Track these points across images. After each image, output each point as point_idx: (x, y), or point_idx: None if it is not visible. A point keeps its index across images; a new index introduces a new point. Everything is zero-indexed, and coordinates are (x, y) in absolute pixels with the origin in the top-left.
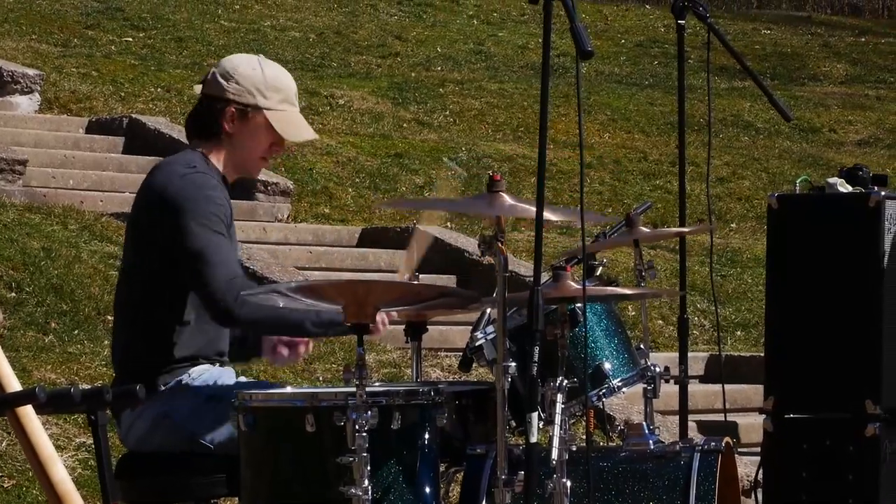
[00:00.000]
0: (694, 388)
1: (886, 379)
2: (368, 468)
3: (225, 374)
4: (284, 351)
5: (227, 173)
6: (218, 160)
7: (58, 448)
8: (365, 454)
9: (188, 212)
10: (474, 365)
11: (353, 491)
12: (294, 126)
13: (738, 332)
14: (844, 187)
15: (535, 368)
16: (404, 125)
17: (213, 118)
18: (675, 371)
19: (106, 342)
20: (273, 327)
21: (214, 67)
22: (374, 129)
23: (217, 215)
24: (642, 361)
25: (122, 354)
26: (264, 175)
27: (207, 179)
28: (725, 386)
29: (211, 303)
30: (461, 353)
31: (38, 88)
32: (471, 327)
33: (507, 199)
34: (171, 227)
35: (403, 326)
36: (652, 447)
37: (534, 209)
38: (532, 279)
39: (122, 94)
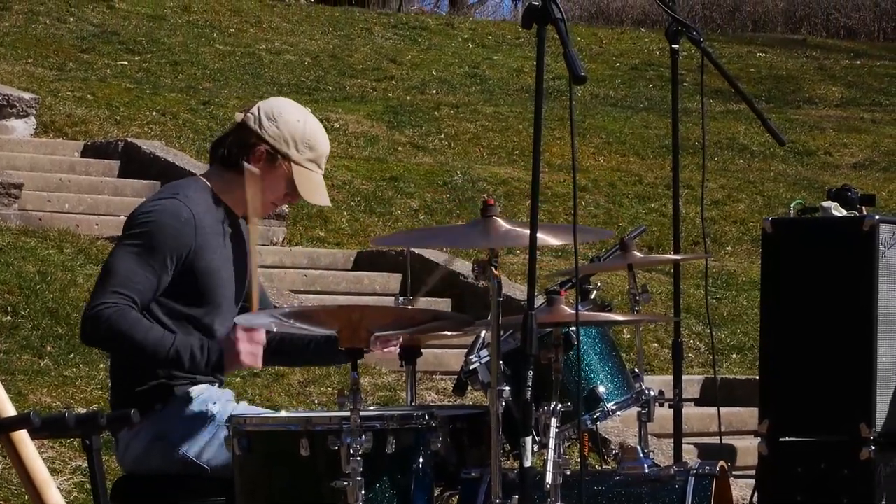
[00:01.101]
0: (689, 410)
1: (881, 402)
2: (363, 492)
3: (223, 396)
4: (389, 348)
5: (235, 207)
6: (226, 191)
7: (53, 471)
8: (359, 478)
9: (127, 230)
10: (469, 388)
11: None
12: (313, 188)
13: (734, 355)
14: (839, 211)
15: (530, 392)
16: (399, 148)
17: (241, 151)
18: (669, 394)
19: (102, 365)
20: (121, 349)
21: (262, 103)
22: (370, 153)
23: (155, 244)
24: (637, 385)
25: (118, 373)
26: None
27: (177, 207)
28: (721, 409)
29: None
30: (456, 377)
31: (34, 112)
32: (465, 351)
33: (503, 224)
34: None
35: (398, 350)
36: (647, 471)
37: (528, 233)
38: (526, 303)
39: (118, 117)
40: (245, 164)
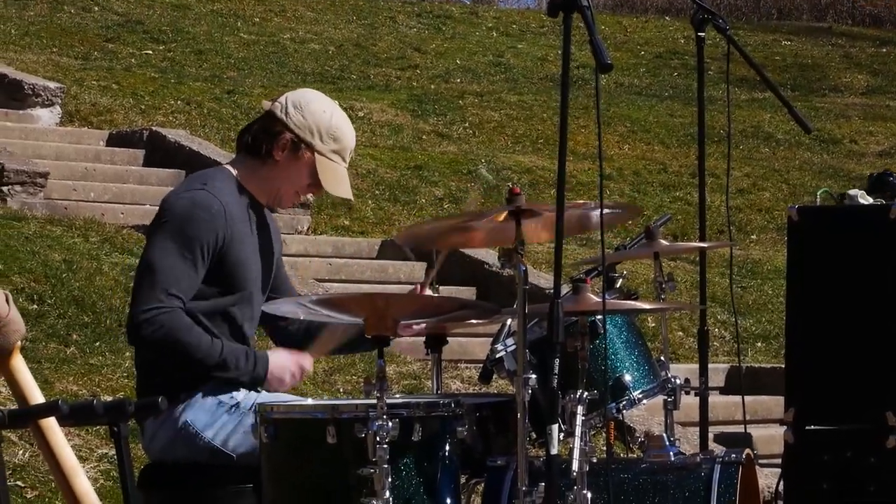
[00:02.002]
0: (714, 399)
1: None
2: (389, 480)
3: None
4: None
5: (259, 195)
6: (250, 179)
7: (80, 459)
8: (386, 466)
9: (162, 224)
10: (494, 377)
11: (374, 502)
12: (336, 179)
13: (759, 344)
14: (865, 199)
15: (556, 380)
16: (423, 137)
17: (267, 139)
18: (695, 383)
19: (127, 354)
20: (172, 354)
21: (290, 93)
22: (394, 142)
23: (190, 237)
24: (662, 373)
25: (145, 363)
26: None
27: (207, 199)
28: (746, 397)
29: (128, 316)
30: (481, 365)
31: (59, 101)
32: (491, 339)
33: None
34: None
35: (424, 338)
36: (672, 459)
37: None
38: (552, 291)
39: (143, 106)
40: (274, 151)
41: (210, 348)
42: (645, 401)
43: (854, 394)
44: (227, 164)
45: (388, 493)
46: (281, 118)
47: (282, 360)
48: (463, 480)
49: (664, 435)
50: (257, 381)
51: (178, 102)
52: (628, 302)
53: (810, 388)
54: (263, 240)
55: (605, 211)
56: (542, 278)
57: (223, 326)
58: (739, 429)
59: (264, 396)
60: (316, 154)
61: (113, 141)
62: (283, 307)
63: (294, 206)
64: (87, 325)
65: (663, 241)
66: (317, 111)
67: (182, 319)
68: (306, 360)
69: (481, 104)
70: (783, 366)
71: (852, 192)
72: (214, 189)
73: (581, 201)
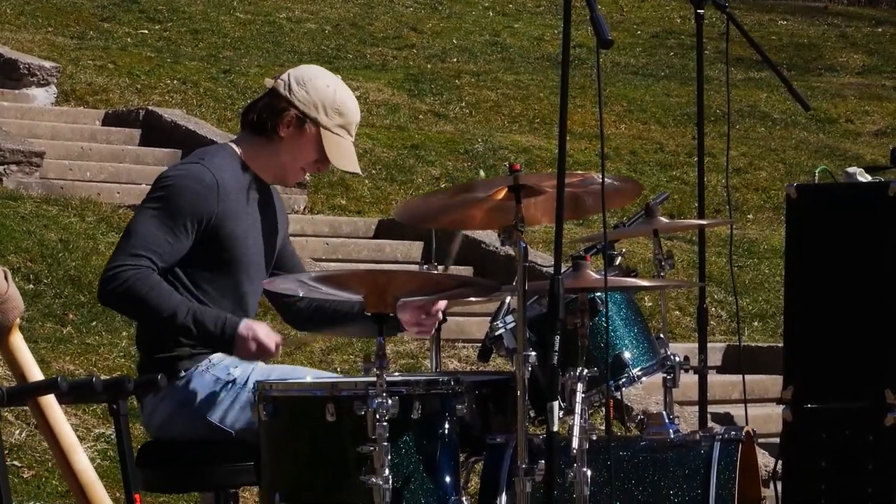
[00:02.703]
0: (712, 378)
1: None
2: (388, 457)
3: (246, 361)
4: (426, 322)
5: (263, 173)
6: (255, 157)
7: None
8: (385, 443)
9: (151, 193)
10: (493, 356)
11: (373, 480)
12: (343, 154)
13: (756, 323)
14: (864, 177)
15: (556, 357)
16: (420, 117)
17: (271, 116)
18: (693, 361)
19: (124, 333)
20: (135, 312)
21: (293, 70)
22: (391, 121)
23: (175, 206)
24: (662, 351)
25: (145, 339)
26: None
27: (200, 172)
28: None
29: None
30: (479, 344)
31: (55, 81)
32: (488, 319)
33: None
34: None
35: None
36: (672, 436)
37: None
38: (552, 268)
39: (139, 86)
40: (279, 127)
41: (175, 308)
42: (644, 378)
43: (852, 372)
44: (230, 142)
45: (387, 471)
46: (285, 95)
47: (251, 331)
48: (462, 458)
49: (663, 413)
50: (224, 349)
51: (175, 82)
52: (628, 279)
53: (808, 367)
54: (267, 218)
55: (607, 181)
56: (540, 257)
57: (221, 302)
58: (738, 408)
59: (261, 373)
60: (321, 129)
61: (109, 120)
62: (282, 284)
63: (301, 182)
64: (84, 305)
65: (662, 219)
66: (320, 86)
67: (147, 278)
68: (278, 344)
69: (478, 84)
70: (780, 345)
71: (850, 169)
72: (212, 164)
73: (581, 172)
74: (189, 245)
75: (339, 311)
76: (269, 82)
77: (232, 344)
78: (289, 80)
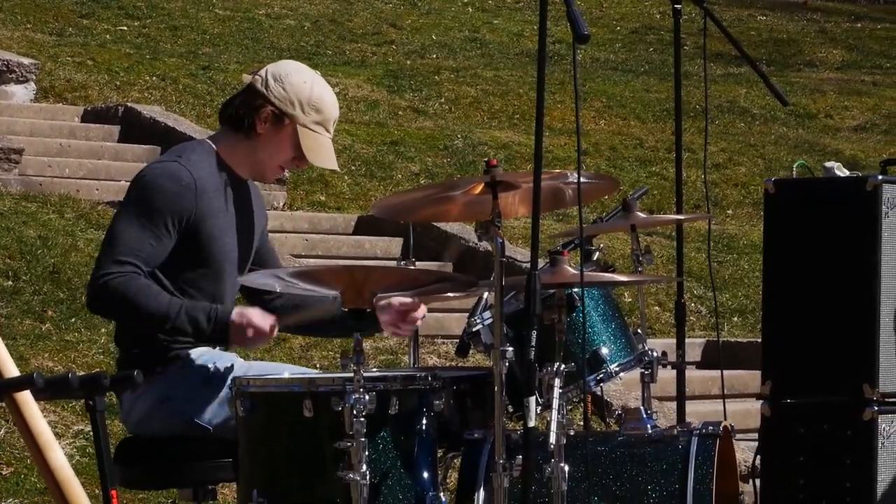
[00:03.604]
0: (691, 373)
1: (884, 363)
2: (366, 453)
3: (224, 357)
4: (403, 326)
5: (241, 170)
6: (232, 154)
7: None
8: (363, 439)
9: (130, 194)
10: (471, 351)
11: (350, 476)
12: (320, 151)
13: (735, 318)
14: (842, 171)
15: (533, 353)
16: (400, 113)
17: (248, 112)
18: (672, 357)
19: (103, 330)
20: (129, 317)
21: (270, 66)
22: (370, 117)
23: (154, 207)
24: (640, 346)
25: (123, 335)
26: None
27: (178, 171)
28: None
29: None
30: (457, 340)
31: (34, 77)
32: (466, 315)
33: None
34: None
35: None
36: (650, 431)
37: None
38: (529, 263)
39: (118, 82)
40: (256, 124)
41: (167, 309)
42: (622, 374)
43: (830, 366)
44: (207, 138)
45: (364, 467)
46: (262, 91)
47: (243, 318)
48: (440, 454)
49: (641, 408)
50: (220, 342)
51: (154, 79)
52: (606, 274)
53: (787, 362)
54: (243, 215)
55: (583, 180)
56: (518, 252)
57: (199, 300)
58: (717, 403)
59: (239, 369)
60: (298, 126)
61: (88, 117)
62: (259, 279)
63: (280, 179)
64: (63, 302)
65: (640, 214)
66: (297, 82)
67: (134, 282)
68: (271, 325)
69: (457, 80)
70: (759, 340)
71: (829, 164)
72: (189, 162)
73: (558, 171)
74: (172, 244)
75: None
76: (246, 78)
77: (226, 333)
78: (266, 76)
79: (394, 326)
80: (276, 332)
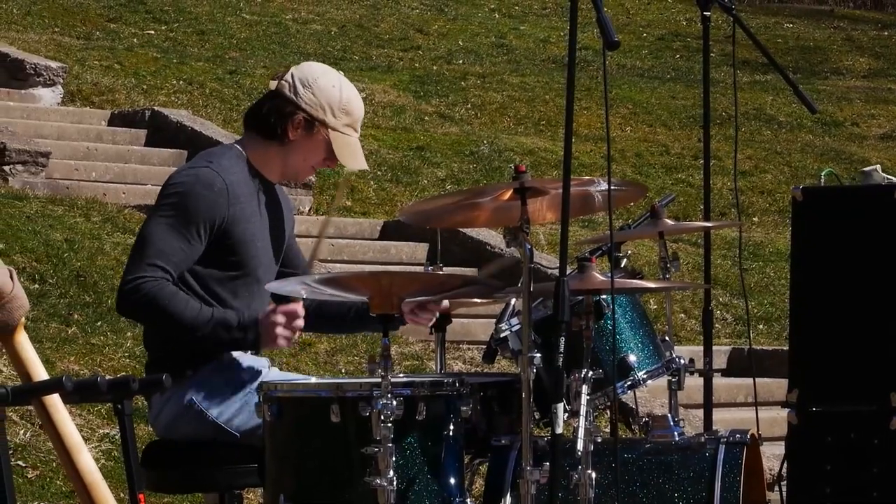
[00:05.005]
0: (717, 381)
1: None
2: (393, 459)
3: (254, 362)
4: (421, 315)
5: (271, 174)
6: (262, 159)
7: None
8: (390, 445)
9: (162, 199)
10: (497, 357)
11: (377, 481)
12: (351, 152)
13: (761, 326)
14: (881, 175)
15: (561, 359)
16: (426, 118)
17: (279, 119)
18: (699, 364)
19: (129, 333)
20: (159, 323)
21: (294, 69)
22: (396, 123)
23: (188, 212)
24: (667, 353)
25: (151, 339)
26: None
27: (210, 177)
28: (749, 379)
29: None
30: (483, 346)
31: (61, 81)
32: (492, 320)
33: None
34: None
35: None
36: (677, 439)
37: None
38: (557, 270)
39: (145, 86)
40: (287, 131)
41: (197, 317)
42: (649, 381)
43: (858, 375)
44: (235, 143)
45: (391, 472)
46: (291, 98)
47: (268, 319)
48: (467, 460)
49: (668, 415)
50: (252, 346)
51: (180, 82)
52: (634, 281)
53: (814, 370)
54: (273, 219)
55: (612, 187)
56: (545, 259)
57: (231, 303)
58: (743, 411)
59: (271, 376)
60: (330, 130)
61: (115, 121)
62: (286, 286)
63: (295, 185)
64: (89, 305)
65: (668, 221)
66: (326, 87)
67: (165, 289)
68: (293, 306)
69: (483, 86)
70: (785, 348)
71: (867, 168)
72: (220, 167)
73: (587, 177)
74: (202, 250)
75: (340, 311)
76: (272, 84)
77: (258, 336)
78: (293, 81)
79: (411, 314)
80: (303, 311)
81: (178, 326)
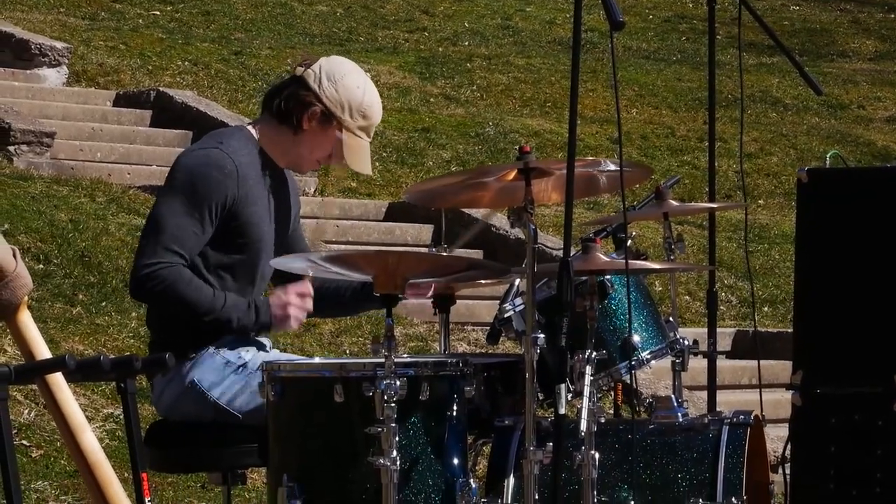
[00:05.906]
0: (721, 363)
1: None
2: (396, 439)
3: (256, 344)
4: (420, 286)
5: (279, 159)
6: (273, 143)
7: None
8: (393, 425)
9: (173, 180)
10: (502, 339)
11: (381, 461)
12: (359, 155)
13: (766, 308)
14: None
15: (565, 340)
16: (431, 100)
17: (297, 107)
18: (703, 346)
19: (133, 314)
20: (174, 308)
21: (324, 61)
22: (401, 104)
23: (199, 194)
24: (671, 334)
25: (155, 319)
26: None
27: (220, 158)
28: (753, 362)
29: (131, 270)
30: (487, 328)
31: (66, 61)
32: (497, 302)
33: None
34: None
35: (431, 299)
36: (680, 420)
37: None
38: (562, 251)
39: (150, 67)
40: (303, 119)
41: (212, 302)
42: (654, 361)
43: (862, 357)
44: (248, 124)
45: (395, 452)
46: (314, 89)
47: (280, 299)
48: (470, 440)
49: (672, 396)
50: (264, 328)
51: (186, 63)
52: (639, 262)
53: (819, 351)
54: (279, 201)
55: (618, 168)
56: (549, 240)
57: (232, 286)
58: (747, 393)
59: (272, 357)
60: (343, 129)
61: (120, 101)
62: (292, 263)
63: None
64: (94, 285)
65: (673, 202)
66: (350, 86)
67: (183, 274)
68: (302, 286)
69: (489, 67)
70: (790, 331)
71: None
72: (229, 148)
73: (591, 158)
74: (212, 232)
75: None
76: (299, 70)
77: (270, 317)
78: (320, 72)
79: (411, 288)
80: (312, 287)
81: (192, 311)
